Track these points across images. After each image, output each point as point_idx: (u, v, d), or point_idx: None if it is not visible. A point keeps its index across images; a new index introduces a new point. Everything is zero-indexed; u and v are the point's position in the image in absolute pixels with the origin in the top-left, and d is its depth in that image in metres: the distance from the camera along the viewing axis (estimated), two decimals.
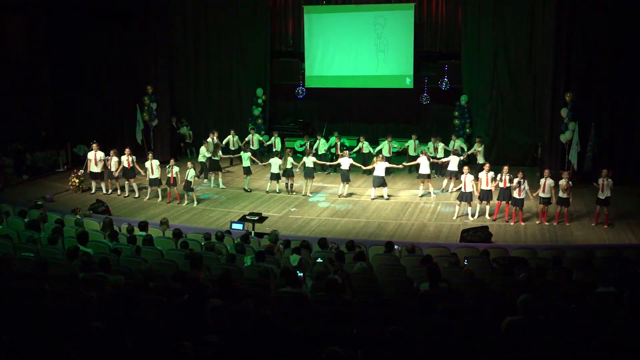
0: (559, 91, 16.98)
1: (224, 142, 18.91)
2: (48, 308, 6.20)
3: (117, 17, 20.52)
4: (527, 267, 9.26)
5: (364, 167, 17.30)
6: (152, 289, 7.41)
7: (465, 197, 14.58)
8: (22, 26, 20.74)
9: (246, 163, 17.24)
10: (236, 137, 19.47)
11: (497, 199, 14.53)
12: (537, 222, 14.25)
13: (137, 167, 16.45)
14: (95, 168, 16.67)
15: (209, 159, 17.74)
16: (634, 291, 7.22)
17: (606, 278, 8.24)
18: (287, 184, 16.95)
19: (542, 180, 14.12)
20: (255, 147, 19.49)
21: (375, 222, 14.48)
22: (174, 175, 15.71)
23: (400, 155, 19.26)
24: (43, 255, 8.52)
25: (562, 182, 13.94)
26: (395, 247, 10.94)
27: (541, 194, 14.13)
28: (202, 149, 17.72)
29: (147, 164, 16.08)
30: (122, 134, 20.97)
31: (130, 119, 20.49)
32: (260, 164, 18.05)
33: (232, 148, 19.27)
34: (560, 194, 13.97)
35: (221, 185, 17.45)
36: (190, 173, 15.61)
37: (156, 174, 16.07)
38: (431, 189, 16.57)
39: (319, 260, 9.27)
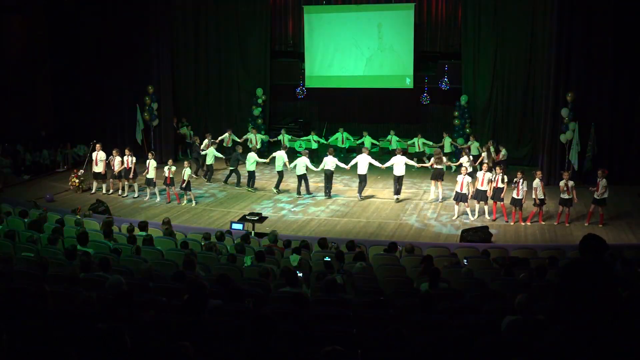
0: (559, 91, 16.98)
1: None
2: (48, 308, 6.20)
3: (117, 17, 20.53)
4: (527, 267, 9.27)
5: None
6: (152, 289, 7.41)
7: (461, 197, 14.58)
8: (22, 26, 20.73)
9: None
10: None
11: (491, 199, 14.52)
12: (529, 223, 14.22)
13: (134, 168, 16.41)
14: (97, 168, 16.67)
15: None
16: (634, 291, 7.22)
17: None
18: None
19: (537, 182, 14.09)
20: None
21: (375, 222, 14.48)
22: (171, 176, 15.73)
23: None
24: (43, 255, 8.51)
25: (562, 183, 13.93)
26: (398, 247, 10.96)
27: (539, 196, 14.11)
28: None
29: (147, 164, 16.12)
30: (122, 134, 20.98)
31: (131, 119, 20.51)
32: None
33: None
34: (562, 195, 13.95)
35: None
36: (187, 172, 15.62)
37: (151, 174, 16.08)
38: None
39: (327, 259, 9.27)
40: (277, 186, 16.96)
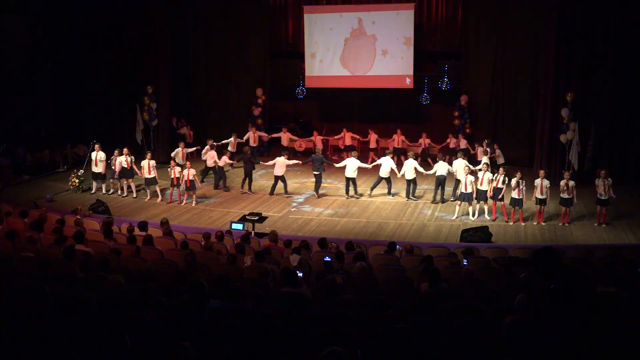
0: (559, 91, 16.99)
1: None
2: (48, 308, 6.19)
3: (117, 17, 20.53)
4: (527, 267, 9.25)
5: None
6: (152, 289, 7.41)
7: (466, 198, 14.59)
8: (22, 26, 20.73)
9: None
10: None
11: (490, 198, 14.53)
12: (535, 222, 14.21)
13: (135, 167, 16.42)
14: (96, 168, 16.66)
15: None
16: (634, 291, 7.22)
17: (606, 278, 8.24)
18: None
19: (538, 181, 14.10)
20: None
21: (376, 222, 14.48)
22: (177, 176, 15.72)
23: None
24: (43, 255, 8.51)
25: (562, 183, 13.94)
26: (397, 247, 10.95)
27: (538, 195, 14.10)
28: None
29: (144, 163, 16.08)
30: (122, 134, 20.97)
31: (130, 119, 20.50)
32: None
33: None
34: (562, 195, 13.96)
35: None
36: (191, 172, 15.62)
37: (152, 173, 16.08)
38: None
39: (327, 259, 9.27)
40: (372, 188, 16.73)
